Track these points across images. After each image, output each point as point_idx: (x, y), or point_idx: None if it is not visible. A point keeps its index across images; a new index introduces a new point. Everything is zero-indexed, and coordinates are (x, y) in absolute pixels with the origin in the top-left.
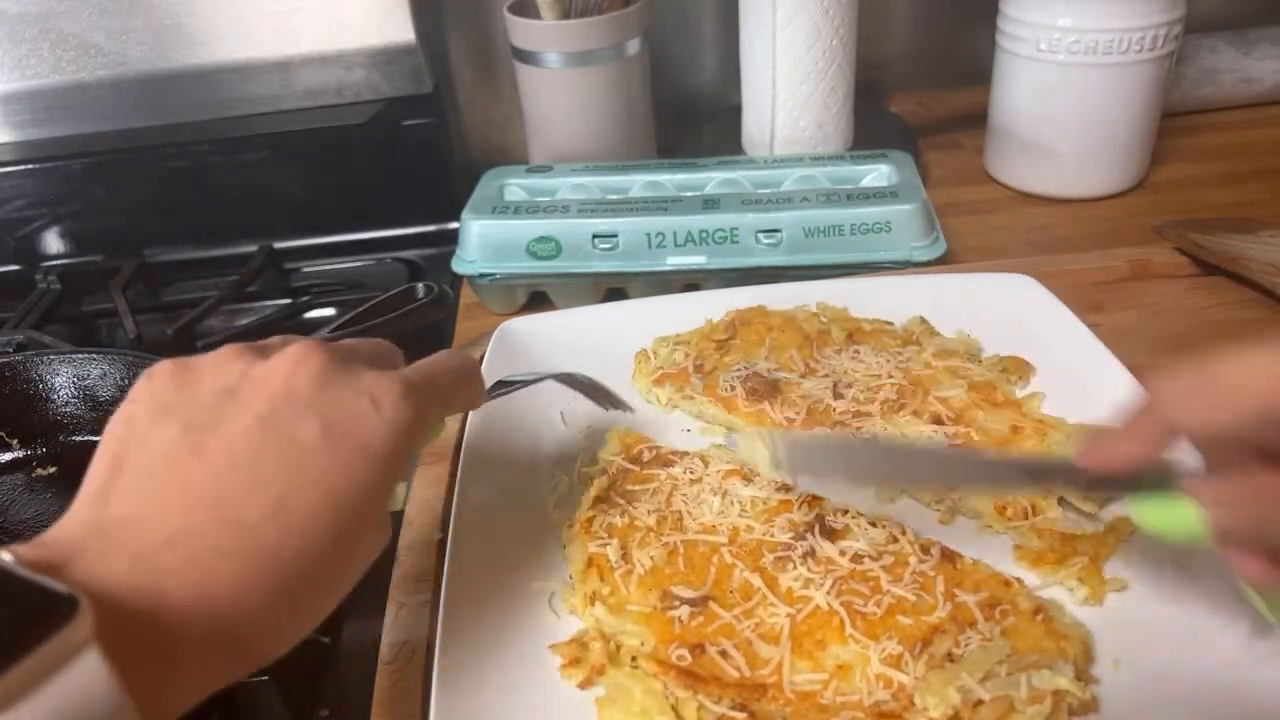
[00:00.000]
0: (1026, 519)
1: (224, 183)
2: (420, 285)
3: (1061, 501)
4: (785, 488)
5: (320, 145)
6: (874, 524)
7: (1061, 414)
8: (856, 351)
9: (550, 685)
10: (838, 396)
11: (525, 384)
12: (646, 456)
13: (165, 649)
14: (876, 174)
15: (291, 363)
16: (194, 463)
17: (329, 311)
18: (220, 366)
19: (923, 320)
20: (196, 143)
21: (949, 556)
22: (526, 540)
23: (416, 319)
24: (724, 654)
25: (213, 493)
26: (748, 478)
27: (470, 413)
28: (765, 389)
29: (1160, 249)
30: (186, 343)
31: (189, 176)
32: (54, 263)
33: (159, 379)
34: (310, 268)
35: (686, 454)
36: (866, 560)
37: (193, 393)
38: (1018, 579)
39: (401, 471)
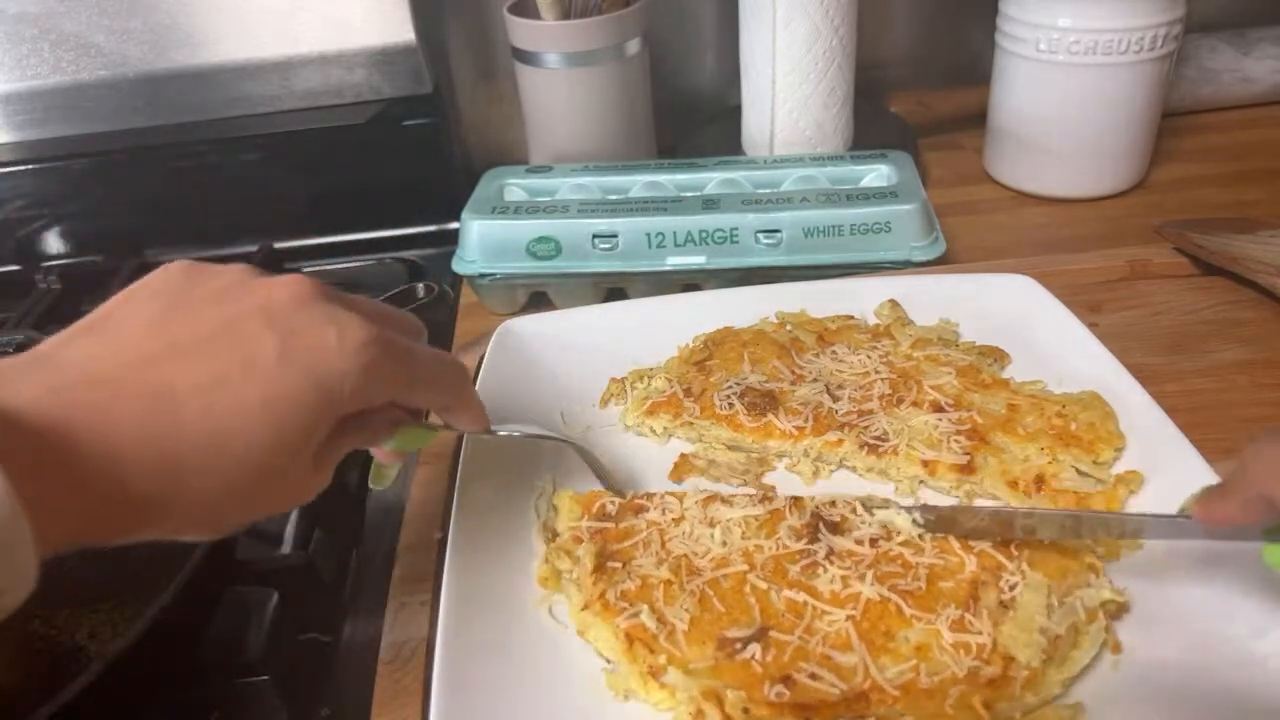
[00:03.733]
0: (1040, 490)
1: (224, 183)
2: (420, 285)
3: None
4: (766, 498)
5: (320, 146)
6: (865, 505)
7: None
8: (834, 352)
9: (550, 687)
10: (835, 399)
11: (529, 436)
12: (611, 509)
13: (62, 475)
14: (876, 174)
15: (283, 283)
16: (155, 330)
17: None
18: (226, 274)
19: (894, 305)
20: (196, 143)
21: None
22: (526, 541)
23: (425, 315)
24: (813, 676)
25: (155, 355)
26: (727, 500)
27: None
28: (764, 401)
29: (1160, 249)
30: None
31: (189, 177)
32: (54, 263)
33: (171, 271)
34: (310, 268)
35: (651, 495)
36: (882, 542)
37: (191, 287)
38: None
39: (342, 410)
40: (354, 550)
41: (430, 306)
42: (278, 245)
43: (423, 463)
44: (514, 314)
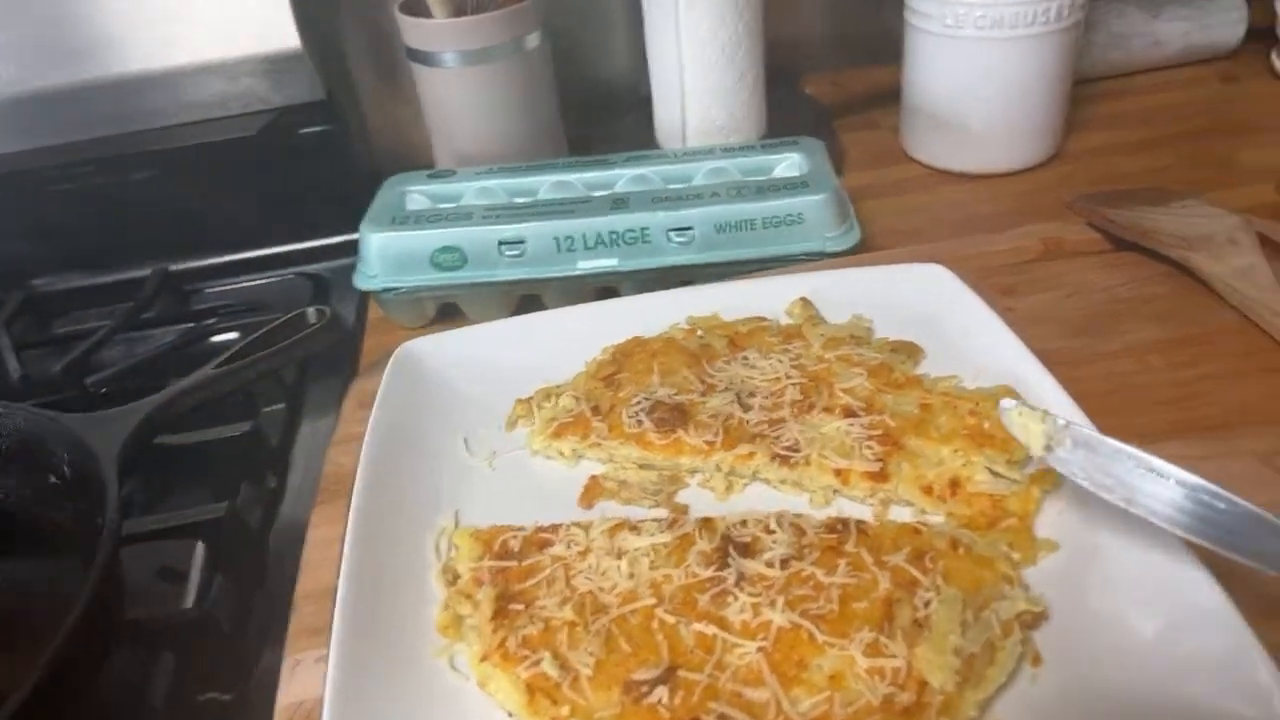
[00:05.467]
0: (955, 494)
1: (111, 204)
2: (311, 310)
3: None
4: (674, 522)
5: (211, 160)
6: (777, 522)
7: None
8: (745, 358)
9: None
10: (745, 408)
11: None
12: (514, 544)
13: None
14: (788, 163)
15: None
16: None
17: (232, 336)
18: None
19: (804, 303)
20: (79, 163)
21: (860, 527)
22: (426, 585)
23: (308, 345)
24: (722, 717)
25: None
26: (635, 528)
27: (366, 438)
28: (673, 416)
29: (1073, 225)
30: (77, 378)
31: (73, 200)
32: None
33: None
34: (211, 289)
35: (556, 527)
36: (794, 563)
37: None
38: (919, 523)
39: None
40: (256, 592)
41: (322, 332)
42: (174, 267)
43: (320, 502)
44: (424, 327)
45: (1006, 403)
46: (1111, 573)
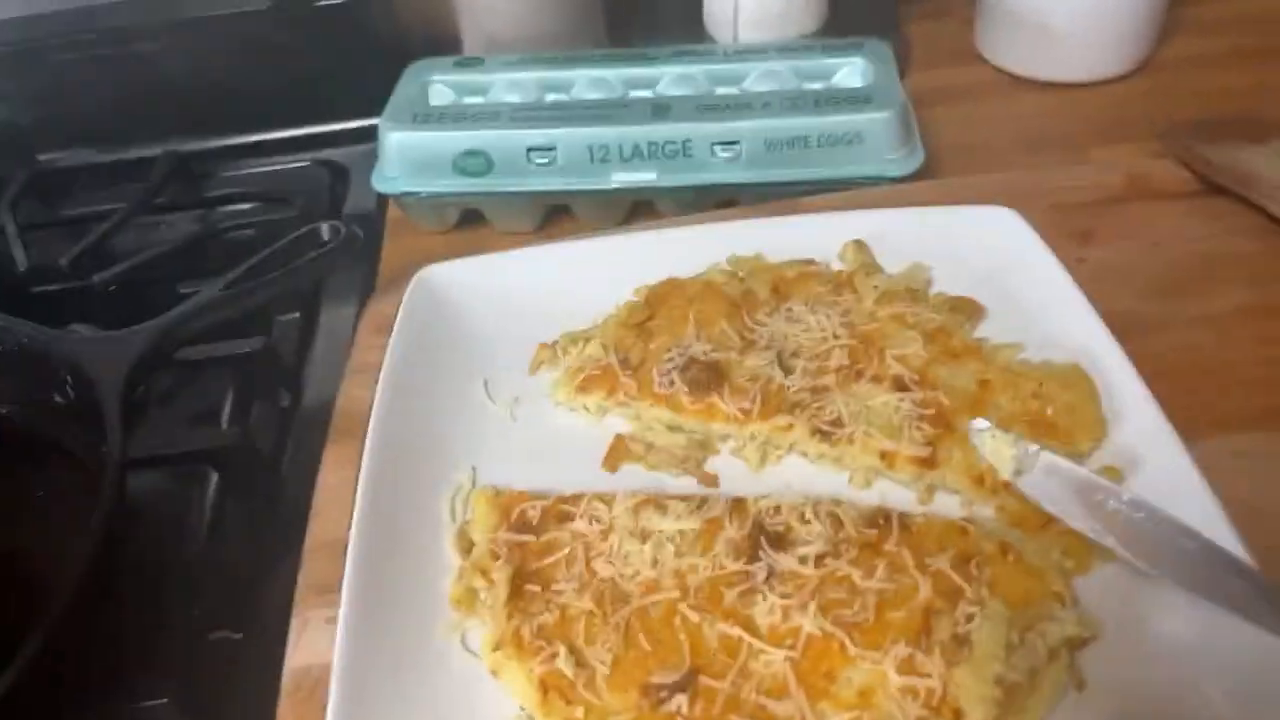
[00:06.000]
0: (1008, 488)
1: (117, 77)
2: (325, 226)
3: None
4: (702, 502)
5: (224, 33)
6: (814, 512)
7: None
8: (790, 311)
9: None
10: (787, 371)
11: None
12: (533, 515)
13: None
14: (850, 69)
15: None
16: None
17: (248, 232)
18: None
19: (858, 247)
20: (83, 32)
21: (902, 523)
22: (441, 550)
23: (321, 267)
24: None
25: None
26: (661, 505)
27: (380, 379)
28: (708, 376)
29: (1161, 159)
30: (86, 273)
31: (78, 70)
32: None
33: None
34: (225, 173)
35: (579, 498)
36: (829, 560)
37: None
38: (966, 520)
39: None
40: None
41: (336, 253)
42: (185, 149)
43: (333, 440)
44: (446, 232)
45: (978, 423)
46: (1165, 588)
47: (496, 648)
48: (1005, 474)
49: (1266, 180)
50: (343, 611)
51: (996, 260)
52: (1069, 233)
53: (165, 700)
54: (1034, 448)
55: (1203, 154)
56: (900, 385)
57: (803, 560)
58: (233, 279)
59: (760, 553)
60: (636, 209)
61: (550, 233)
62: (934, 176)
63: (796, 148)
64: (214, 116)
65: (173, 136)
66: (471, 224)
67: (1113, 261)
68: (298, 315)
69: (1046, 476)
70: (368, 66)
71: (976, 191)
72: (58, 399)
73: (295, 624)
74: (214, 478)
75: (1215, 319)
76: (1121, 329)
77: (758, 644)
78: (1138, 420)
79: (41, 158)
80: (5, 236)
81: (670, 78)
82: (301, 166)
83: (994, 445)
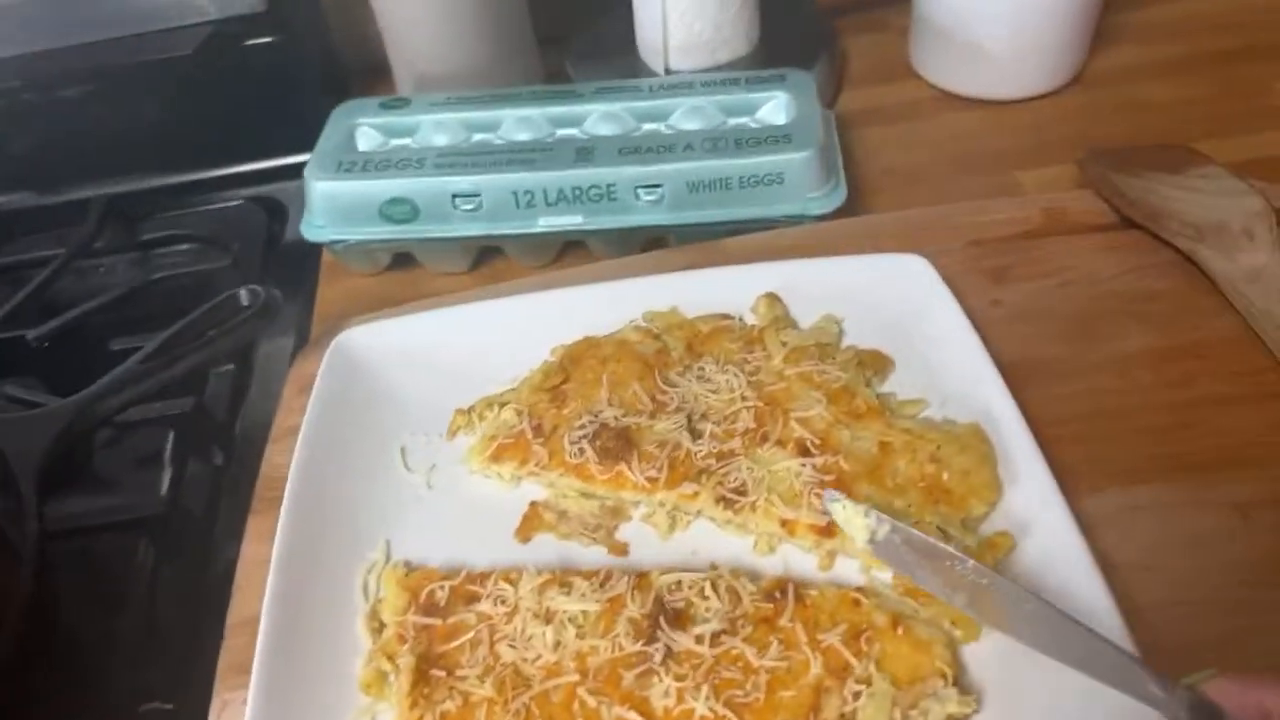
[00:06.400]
0: None
1: (50, 123)
2: (243, 291)
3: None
4: (606, 579)
5: (148, 80)
6: (713, 587)
7: (929, 414)
8: (701, 370)
9: None
10: (695, 435)
11: None
12: (441, 596)
13: None
14: (774, 104)
15: None
16: None
17: (187, 269)
18: None
19: (770, 300)
20: (9, 77)
21: (798, 595)
22: (352, 631)
23: (241, 335)
24: None
25: None
26: (566, 583)
27: (295, 453)
28: (617, 445)
29: (1080, 193)
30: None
31: (7, 117)
32: None
33: None
34: (161, 214)
35: (486, 577)
36: (725, 639)
37: None
38: (860, 590)
39: None
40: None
41: (255, 319)
42: (117, 190)
43: (256, 511)
44: (378, 273)
45: (830, 495)
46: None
47: None
48: (859, 543)
49: (1179, 216)
50: (251, 695)
51: (906, 309)
52: (985, 270)
53: None
54: (885, 521)
55: (1119, 186)
56: (803, 449)
57: (699, 640)
58: (151, 351)
59: (658, 632)
60: (568, 247)
61: (483, 273)
62: (862, 204)
63: (718, 189)
64: (148, 157)
65: (108, 179)
66: (404, 266)
67: (1024, 304)
68: (232, 368)
69: (898, 543)
70: (301, 100)
71: (897, 228)
72: None
73: (215, 705)
74: (142, 544)
75: (1121, 362)
76: (1029, 375)
77: None
78: (1030, 483)
79: None
80: None
81: (597, 115)
82: (236, 205)
83: (846, 515)
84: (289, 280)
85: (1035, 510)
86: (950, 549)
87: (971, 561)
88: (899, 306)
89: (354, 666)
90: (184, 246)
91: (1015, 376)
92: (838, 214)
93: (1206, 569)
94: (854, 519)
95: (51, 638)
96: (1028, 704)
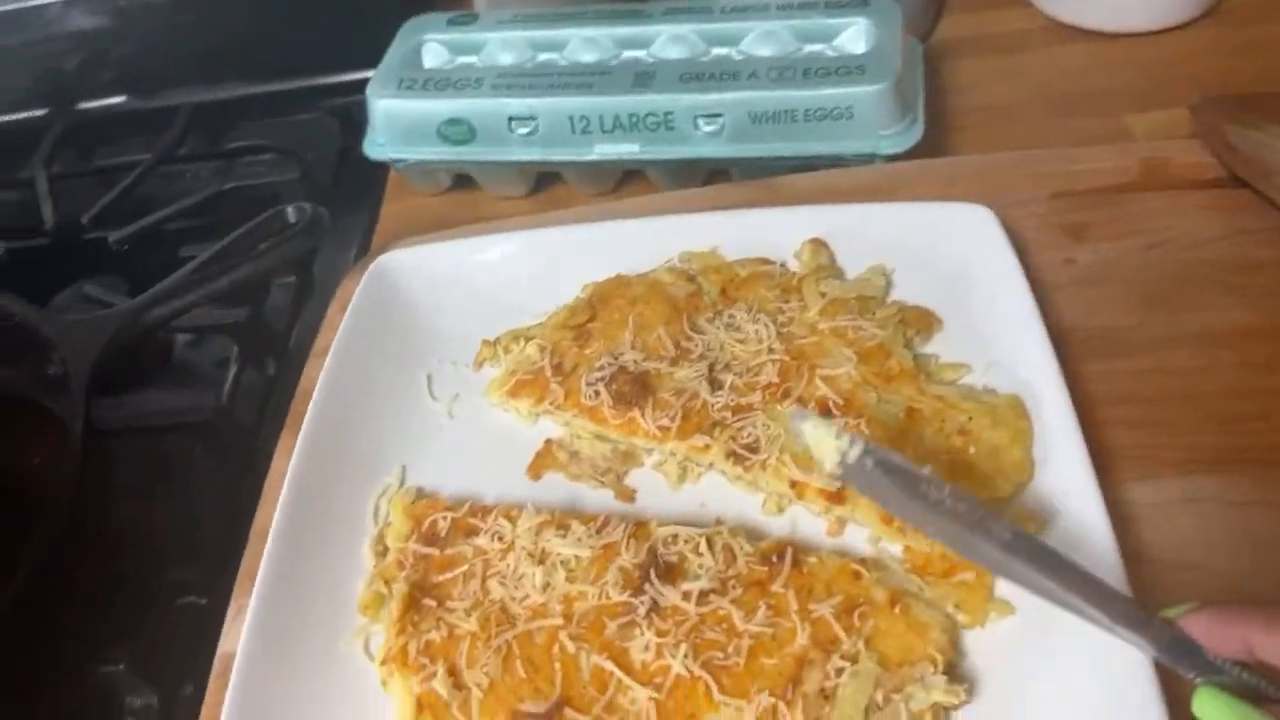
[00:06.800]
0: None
1: (144, 32)
2: (290, 209)
3: None
4: (604, 524)
5: None
6: (709, 541)
7: (969, 381)
8: (731, 317)
9: None
10: (715, 386)
11: None
12: (443, 527)
13: None
14: (853, 31)
15: None
16: None
17: (262, 180)
18: None
19: (815, 247)
20: None
21: (796, 561)
22: (358, 552)
23: (287, 252)
24: None
25: None
26: (563, 525)
27: (322, 373)
28: (633, 390)
29: (1186, 144)
30: (109, 225)
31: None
32: None
33: None
34: (246, 124)
35: (488, 511)
36: (713, 598)
37: None
38: (864, 561)
39: None
40: None
41: (303, 235)
42: (205, 99)
43: (289, 426)
44: (440, 193)
45: (798, 413)
46: (1060, 655)
47: (384, 661)
48: (828, 465)
49: None
50: (252, 603)
51: (963, 264)
52: (1064, 225)
53: (121, 667)
54: (859, 443)
55: (1230, 138)
56: (824, 409)
57: (686, 596)
58: (203, 261)
59: (647, 585)
60: (628, 176)
61: (542, 199)
62: (946, 144)
63: (783, 121)
64: (235, 67)
65: (198, 87)
66: (465, 187)
67: (1101, 265)
68: (293, 280)
69: (870, 466)
70: (384, 14)
71: (975, 173)
72: (51, 371)
73: (231, 609)
74: (196, 447)
75: (1201, 339)
76: (1092, 346)
77: (626, 680)
78: (1064, 466)
79: (81, 106)
80: (35, 192)
81: (665, 37)
82: (314, 118)
83: (815, 435)
84: (355, 196)
85: (1064, 496)
86: (925, 472)
87: (949, 486)
88: (955, 261)
89: (356, 587)
90: (265, 157)
91: (1075, 346)
92: (915, 154)
93: (1258, 575)
94: (824, 439)
95: (100, 530)
96: (1030, 698)
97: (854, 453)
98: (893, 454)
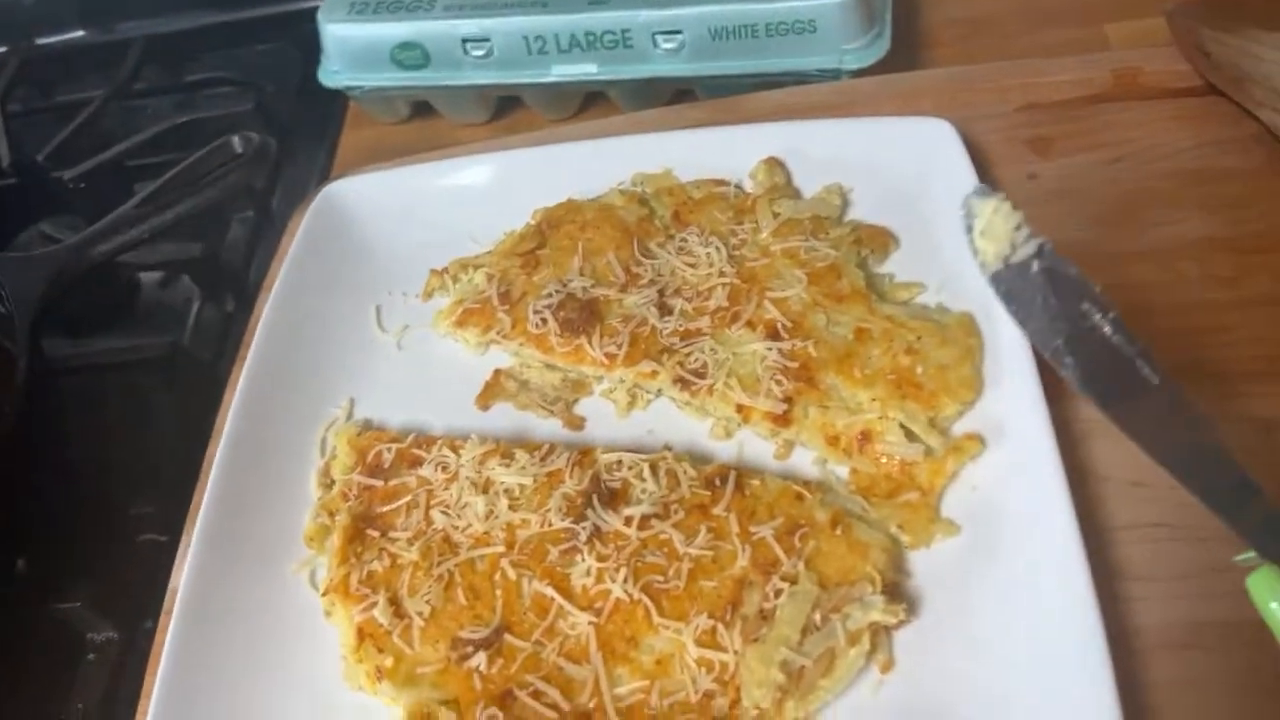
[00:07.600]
0: (864, 450)
1: None
2: (236, 139)
3: (902, 428)
4: (549, 453)
5: None
6: (653, 467)
7: (924, 300)
8: (683, 241)
9: (289, 670)
10: (664, 311)
11: None
12: (387, 459)
13: None
14: None
15: None
16: None
17: (219, 112)
18: None
19: (770, 166)
20: None
21: (739, 484)
22: (305, 483)
23: (234, 182)
24: (536, 694)
25: None
26: (508, 455)
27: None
28: (581, 317)
29: (1159, 52)
30: (65, 163)
31: None
32: None
33: None
34: (204, 56)
35: (432, 442)
36: (655, 522)
37: None
38: (808, 484)
39: None
40: None
41: (251, 164)
42: (161, 30)
43: (243, 357)
44: (400, 122)
45: (980, 189)
46: (1004, 576)
47: (326, 591)
48: (990, 257)
49: (1267, 82)
50: (194, 538)
51: (920, 180)
52: (1029, 139)
53: (81, 604)
54: (1034, 237)
55: (1206, 43)
56: (772, 332)
57: (628, 521)
58: (146, 195)
59: (589, 511)
60: (590, 99)
61: (503, 124)
62: (917, 59)
63: (744, 37)
64: None
65: (156, 18)
66: (425, 115)
67: (1064, 179)
68: (251, 213)
69: (1034, 270)
70: None
71: (941, 88)
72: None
73: (183, 543)
74: (156, 384)
75: (1166, 253)
76: None
77: (567, 606)
78: (1013, 383)
79: (40, 41)
80: None
81: None
82: (274, 48)
83: (990, 221)
84: (316, 128)
85: (1012, 415)
86: (1097, 290)
87: (1113, 313)
88: (913, 177)
89: (303, 520)
90: (224, 89)
91: None
92: (882, 69)
93: None
94: (999, 225)
95: (58, 467)
96: (973, 618)
97: (1025, 250)
98: (1070, 264)
